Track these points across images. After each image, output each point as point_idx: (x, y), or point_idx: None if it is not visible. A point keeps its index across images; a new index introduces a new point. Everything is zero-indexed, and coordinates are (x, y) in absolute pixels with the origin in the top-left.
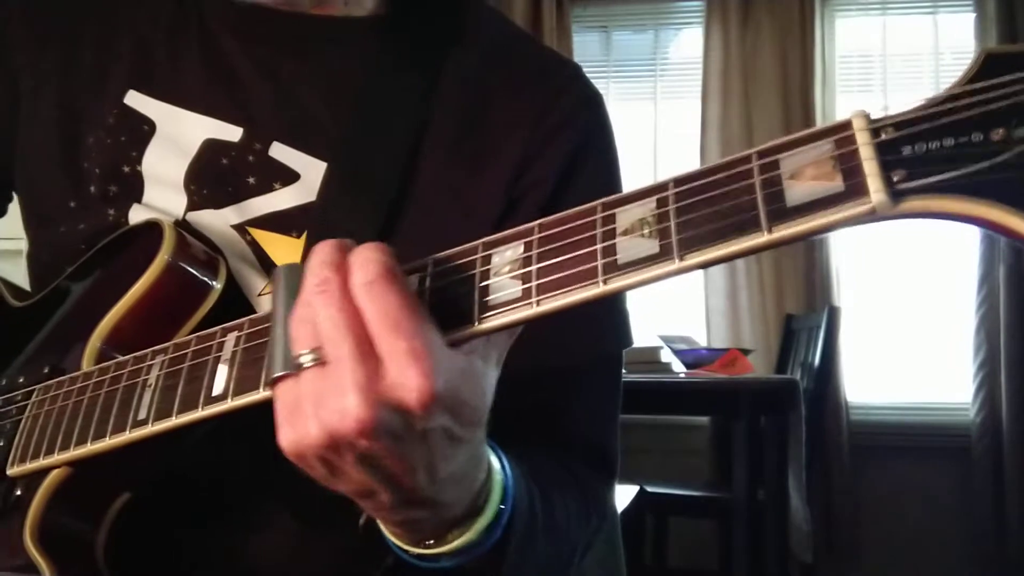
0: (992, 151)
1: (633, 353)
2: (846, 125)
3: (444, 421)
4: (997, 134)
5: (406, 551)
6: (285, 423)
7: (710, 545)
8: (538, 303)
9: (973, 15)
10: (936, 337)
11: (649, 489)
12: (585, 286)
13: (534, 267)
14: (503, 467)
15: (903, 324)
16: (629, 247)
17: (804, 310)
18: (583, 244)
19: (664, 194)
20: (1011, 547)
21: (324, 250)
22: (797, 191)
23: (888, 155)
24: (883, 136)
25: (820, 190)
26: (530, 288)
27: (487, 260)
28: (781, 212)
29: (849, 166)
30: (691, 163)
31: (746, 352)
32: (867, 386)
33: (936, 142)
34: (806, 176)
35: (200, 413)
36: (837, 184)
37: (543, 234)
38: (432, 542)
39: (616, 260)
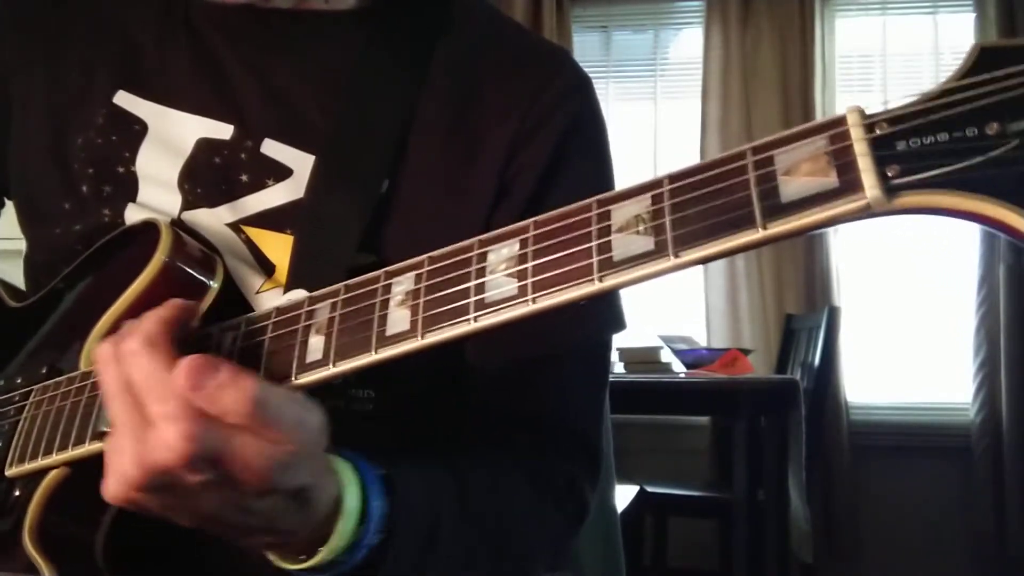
0: (987, 146)
1: (633, 353)
2: (840, 121)
3: (214, 476)
4: (992, 128)
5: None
6: (105, 476)
7: (710, 545)
8: (533, 301)
9: (973, 15)
10: (936, 337)
11: (649, 489)
12: (580, 283)
13: (529, 264)
14: (363, 487)
15: (903, 324)
16: (624, 244)
17: (804, 310)
18: (578, 241)
19: (659, 190)
20: (1011, 547)
21: (128, 320)
22: (792, 187)
23: (882, 150)
24: (877, 131)
25: (815, 186)
26: (525, 286)
27: (483, 258)
28: (776, 208)
29: (843, 162)
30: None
31: (746, 352)
32: (867, 386)
33: (931, 137)
34: (801, 172)
35: None
36: (832, 180)
37: (538, 231)
38: (304, 557)
39: (612, 257)
